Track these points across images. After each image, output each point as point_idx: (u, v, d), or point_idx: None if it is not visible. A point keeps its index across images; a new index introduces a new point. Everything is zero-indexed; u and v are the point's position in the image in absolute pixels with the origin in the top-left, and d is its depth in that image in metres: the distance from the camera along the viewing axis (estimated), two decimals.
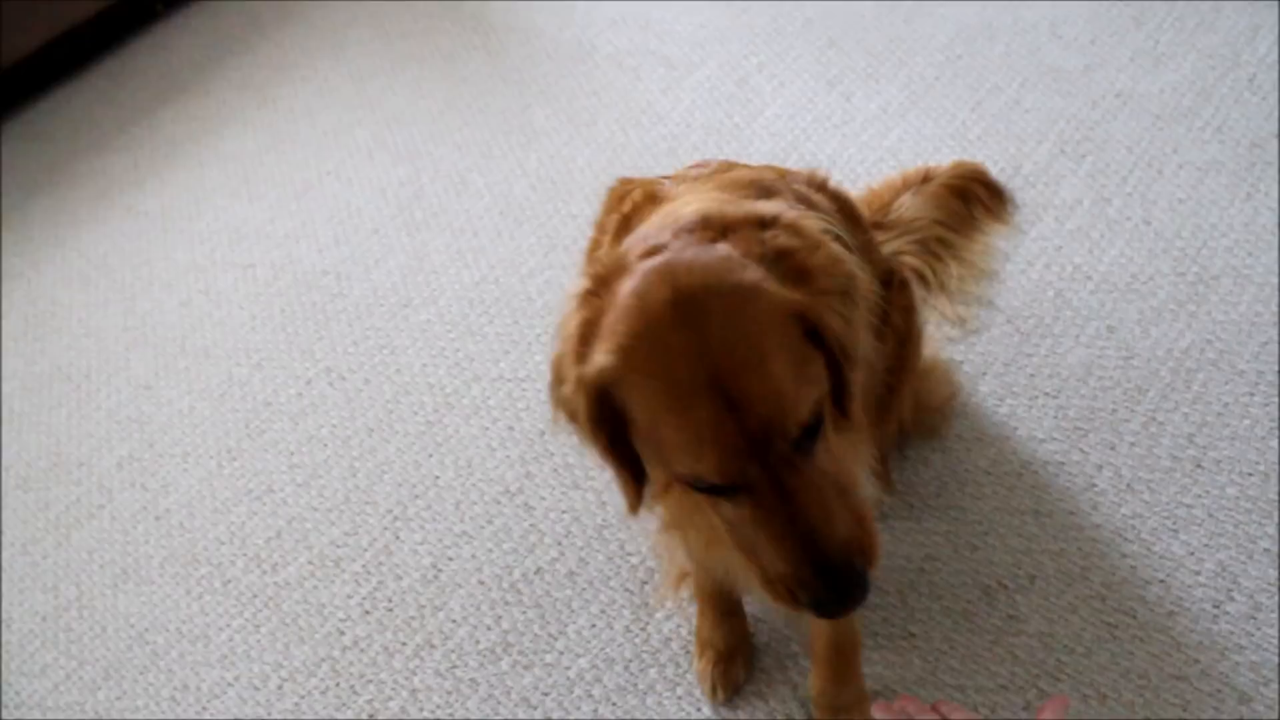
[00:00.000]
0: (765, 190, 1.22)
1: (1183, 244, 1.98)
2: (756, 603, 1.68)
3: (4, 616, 2.16)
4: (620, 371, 0.97)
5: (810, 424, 0.97)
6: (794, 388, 0.95)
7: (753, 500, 0.98)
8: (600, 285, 1.04)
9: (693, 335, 0.94)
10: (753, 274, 0.98)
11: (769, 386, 0.94)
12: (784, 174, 1.38)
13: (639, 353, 0.96)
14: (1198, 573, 1.59)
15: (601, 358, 0.98)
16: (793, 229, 1.06)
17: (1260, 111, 2.15)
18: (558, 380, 1.08)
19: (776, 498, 0.97)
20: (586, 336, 1.02)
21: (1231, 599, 1.55)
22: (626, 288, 0.99)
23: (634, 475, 1.09)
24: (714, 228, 1.05)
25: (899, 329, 1.63)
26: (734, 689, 1.64)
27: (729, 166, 1.35)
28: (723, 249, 1.01)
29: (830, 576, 0.98)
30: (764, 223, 1.06)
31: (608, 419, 1.01)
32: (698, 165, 1.39)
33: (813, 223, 1.10)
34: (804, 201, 1.33)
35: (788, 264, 1.01)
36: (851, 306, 1.07)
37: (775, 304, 0.97)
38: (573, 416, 1.06)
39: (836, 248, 1.09)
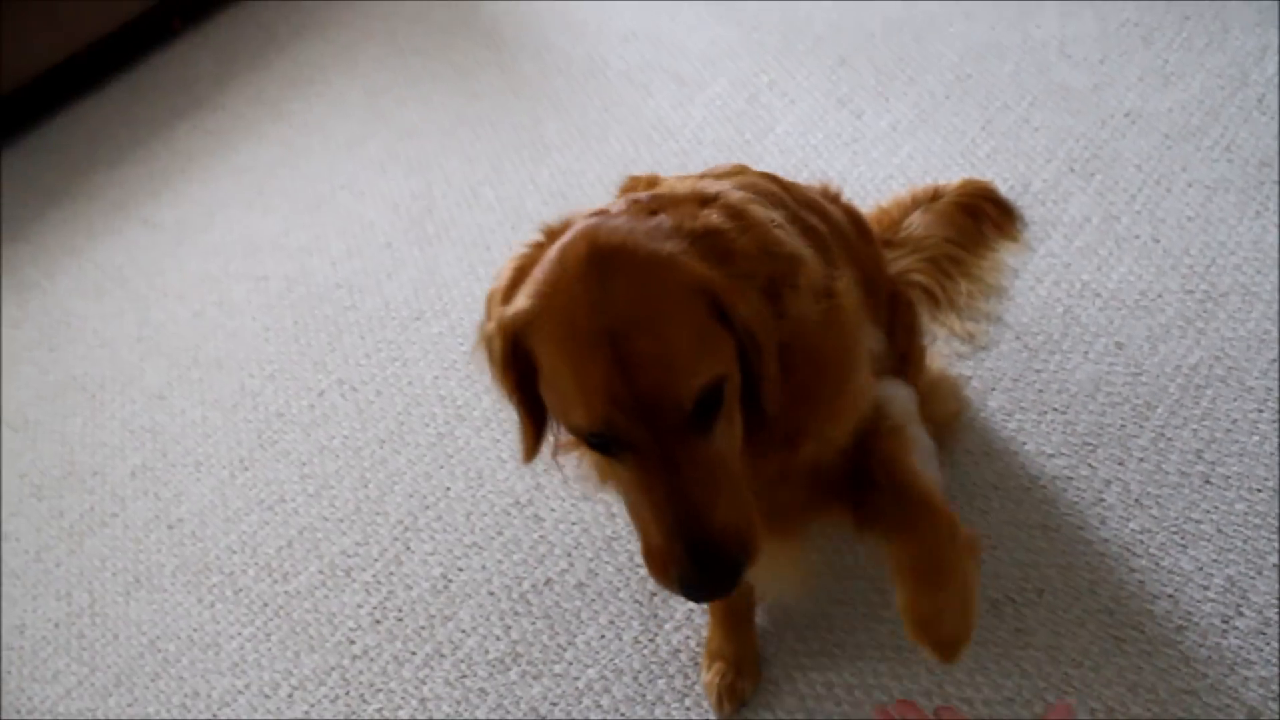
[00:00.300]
0: (761, 195, 1.23)
1: (1191, 261, 1.99)
2: (768, 613, 1.69)
3: (18, 623, 2.18)
4: (533, 316, 1.01)
5: (705, 399, 0.98)
6: (688, 358, 0.97)
7: (640, 464, 0.99)
8: (548, 238, 1.09)
9: (599, 292, 0.97)
10: (671, 245, 1.01)
11: (659, 350, 0.96)
12: (789, 186, 1.40)
13: (551, 301, 1.00)
14: (1206, 588, 1.59)
15: (520, 301, 1.03)
16: (729, 210, 1.09)
17: (1268, 131, 2.15)
18: (487, 317, 1.13)
19: (661, 467, 0.98)
20: (517, 281, 1.07)
21: (1240, 614, 1.55)
22: (558, 242, 1.04)
23: (535, 422, 1.12)
24: (661, 201, 1.10)
25: (900, 347, 1.64)
26: (740, 702, 1.64)
27: (740, 170, 1.37)
28: (656, 219, 1.05)
29: (700, 557, 0.98)
30: (704, 200, 1.10)
31: (520, 364, 1.05)
32: (714, 169, 1.41)
33: (757, 209, 1.12)
34: (815, 208, 1.35)
35: (712, 242, 1.04)
36: (792, 293, 1.07)
37: (683, 276, 1.00)
38: (490, 355, 1.10)
39: (776, 233, 1.10)
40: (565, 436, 1.19)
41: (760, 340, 1.03)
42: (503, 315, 1.05)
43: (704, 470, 0.99)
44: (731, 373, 1.02)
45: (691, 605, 1.77)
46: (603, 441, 1.01)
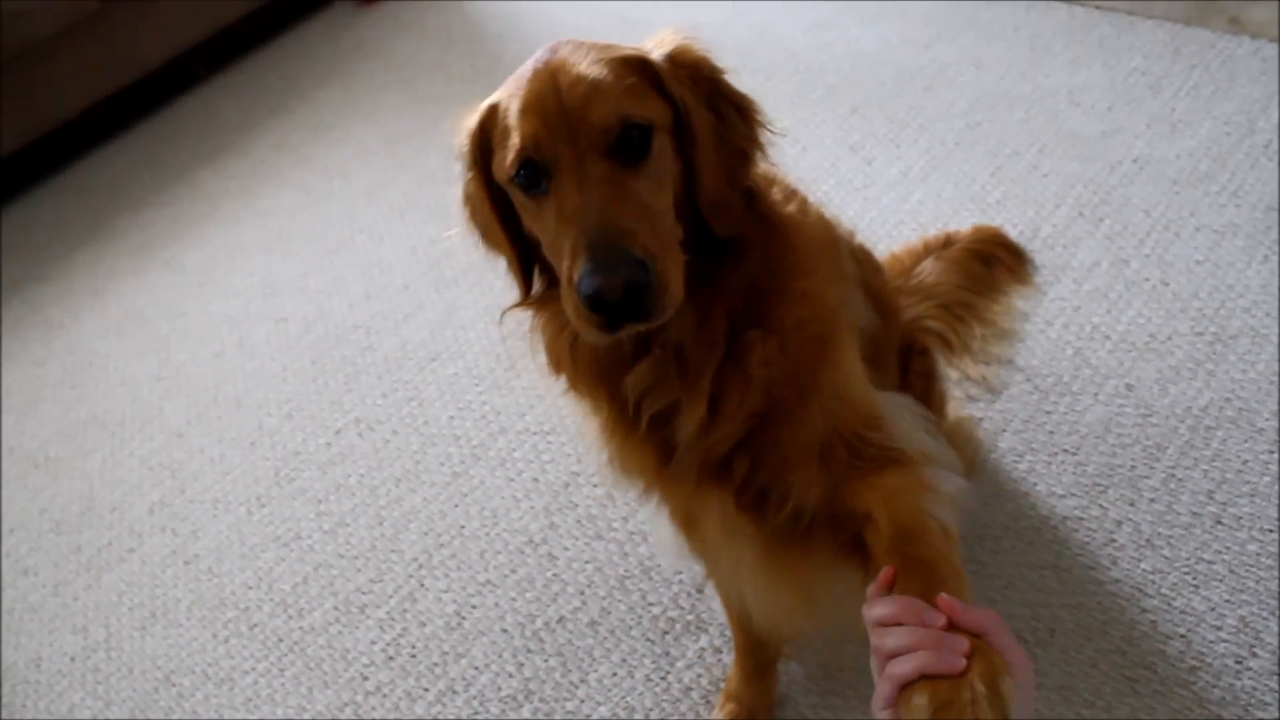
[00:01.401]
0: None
1: (1200, 304, 2.01)
2: (794, 650, 1.69)
3: (34, 656, 2.19)
4: (495, 103, 1.12)
5: (631, 137, 1.05)
6: (615, 88, 1.05)
7: (559, 189, 1.05)
8: None
9: (547, 55, 1.09)
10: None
11: (591, 78, 1.05)
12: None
13: (508, 88, 1.11)
14: (1219, 628, 1.59)
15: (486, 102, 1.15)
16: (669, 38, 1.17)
17: (1275, 177, 2.18)
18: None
19: (578, 186, 1.03)
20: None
21: (1254, 655, 1.55)
22: None
23: (516, 248, 1.23)
24: None
25: (918, 394, 1.65)
26: None
27: None
28: None
29: (600, 250, 0.99)
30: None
31: (488, 174, 1.16)
32: None
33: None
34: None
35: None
36: (744, 122, 1.19)
37: (623, 50, 1.11)
38: (463, 164, 1.20)
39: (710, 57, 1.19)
40: (535, 292, 1.29)
41: (694, 125, 1.11)
42: (468, 119, 1.16)
43: (618, 193, 1.03)
44: (661, 128, 1.08)
45: (704, 644, 1.78)
46: (530, 173, 1.06)
